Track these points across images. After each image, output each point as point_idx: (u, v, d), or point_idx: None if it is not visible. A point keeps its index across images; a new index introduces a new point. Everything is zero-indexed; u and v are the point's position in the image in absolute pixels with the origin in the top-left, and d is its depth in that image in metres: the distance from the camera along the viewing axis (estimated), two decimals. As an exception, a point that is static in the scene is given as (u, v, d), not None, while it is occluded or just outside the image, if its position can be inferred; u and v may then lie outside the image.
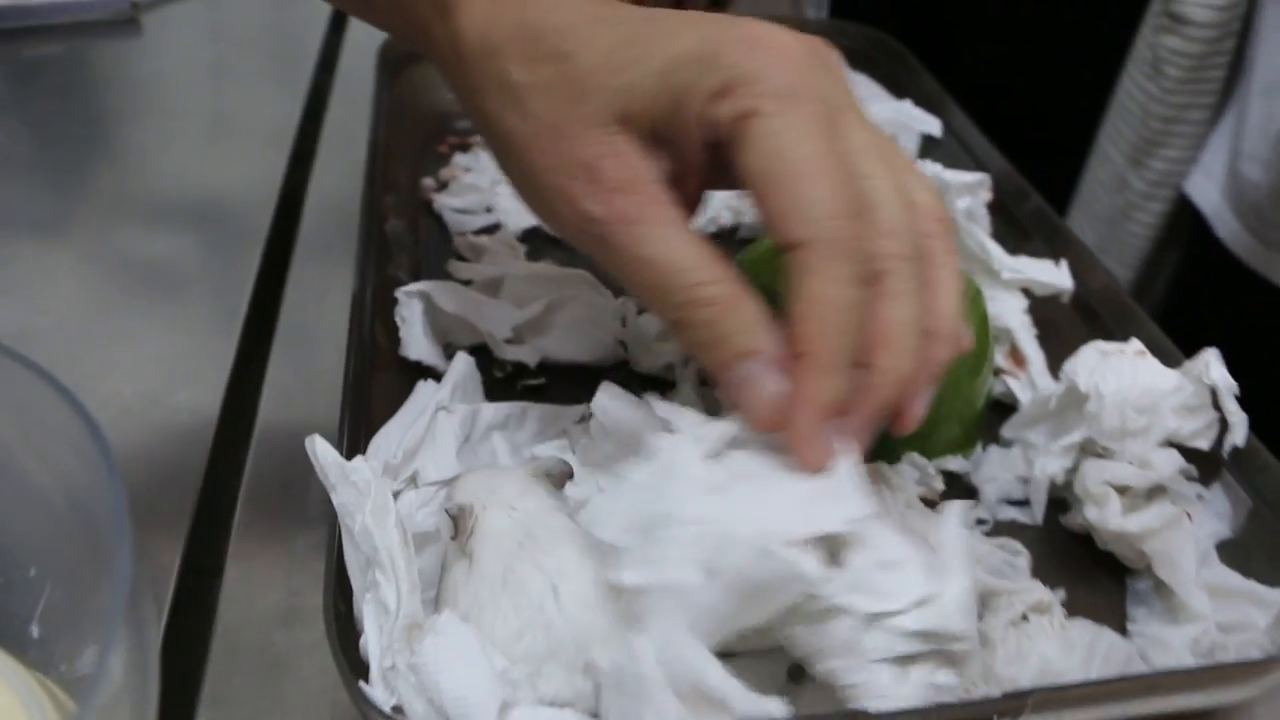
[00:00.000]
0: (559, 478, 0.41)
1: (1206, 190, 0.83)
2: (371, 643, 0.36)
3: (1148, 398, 0.47)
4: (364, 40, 0.86)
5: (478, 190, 0.68)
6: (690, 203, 0.41)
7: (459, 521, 0.38)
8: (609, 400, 0.43)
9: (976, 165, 0.69)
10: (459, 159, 0.72)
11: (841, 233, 0.34)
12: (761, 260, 0.55)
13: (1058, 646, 0.41)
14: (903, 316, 0.36)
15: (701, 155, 0.37)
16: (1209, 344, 0.48)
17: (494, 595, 0.37)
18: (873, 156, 0.37)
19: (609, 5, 0.38)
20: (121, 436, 0.53)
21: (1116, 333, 0.56)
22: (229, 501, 0.49)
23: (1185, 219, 0.87)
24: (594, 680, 0.36)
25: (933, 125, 0.74)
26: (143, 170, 0.77)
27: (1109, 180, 0.89)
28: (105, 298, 0.63)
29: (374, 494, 0.37)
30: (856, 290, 0.35)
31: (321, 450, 0.39)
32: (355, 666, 0.35)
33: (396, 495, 0.44)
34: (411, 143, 0.73)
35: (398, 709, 0.35)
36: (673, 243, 0.36)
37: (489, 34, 0.38)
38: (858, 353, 0.35)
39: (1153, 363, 0.48)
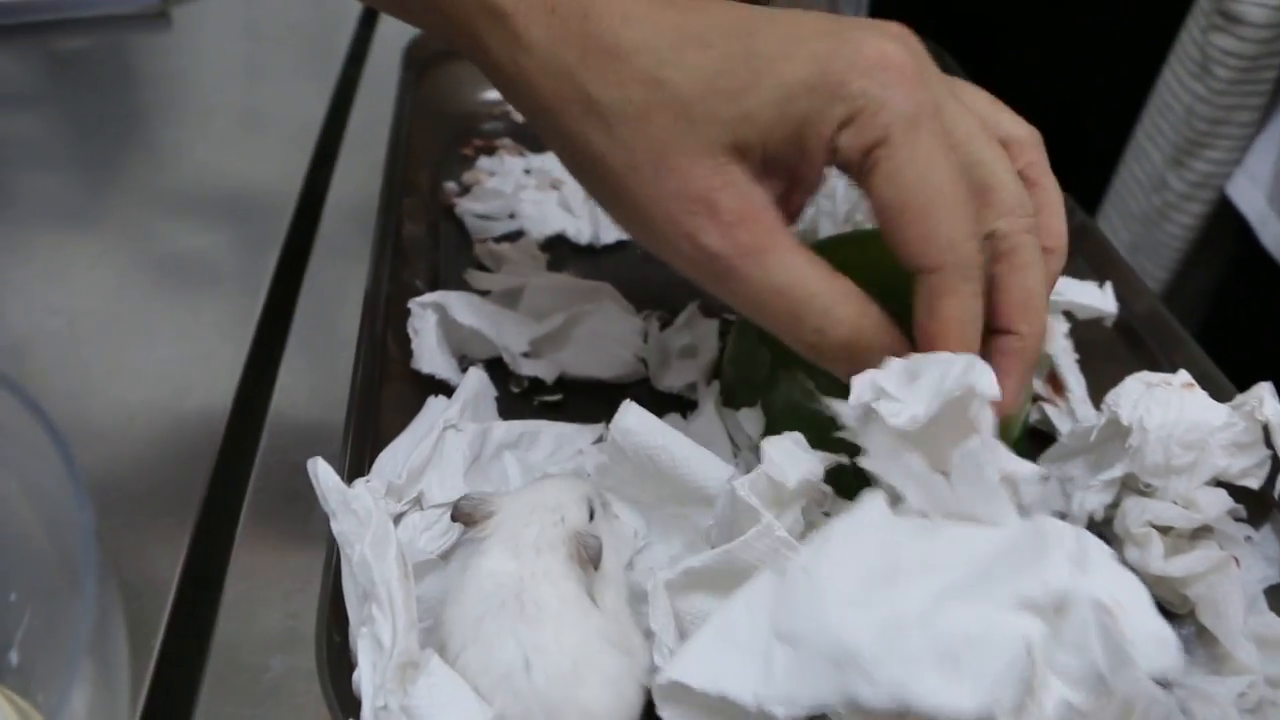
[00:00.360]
0: (587, 555, 0.38)
1: (1251, 195, 0.80)
2: (365, 680, 0.34)
3: (1195, 433, 0.44)
4: (395, 37, 0.84)
5: (501, 195, 0.66)
6: (794, 217, 0.43)
7: (472, 512, 0.37)
8: (632, 422, 0.41)
9: (1019, 179, 0.67)
10: (483, 162, 0.71)
11: (972, 256, 0.36)
12: (827, 253, 0.52)
13: (1094, 699, 0.39)
14: (1035, 284, 0.39)
15: (818, 175, 0.39)
16: (1247, 353, 0.45)
17: (464, 640, 0.35)
18: (980, 140, 0.38)
19: (682, 11, 0.37)
20: (126, 443, 0.51)
21: (1162, 360, 0.54)
22: (232, 513, 0.48)
23: (1225, 222, 0.83)
24: None
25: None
26: (165, 167, 0.76)
27: (1146, 179, 0.86)
28: (118, 298, 0.61)
29: (375, 524, 0.35)
30: (980, 303, 0.37)
31: (324, 474, 0.37)
32: (346, 703, 0.34)
33: (400, 517, 0.42)
34: (435, 145, 0.71)
35: (389, 750, 0.33)
36: (799, 270, 0.37)
37: (557, 49, 0.37)
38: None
39: (1201, 396, 0.46)
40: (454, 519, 0.37)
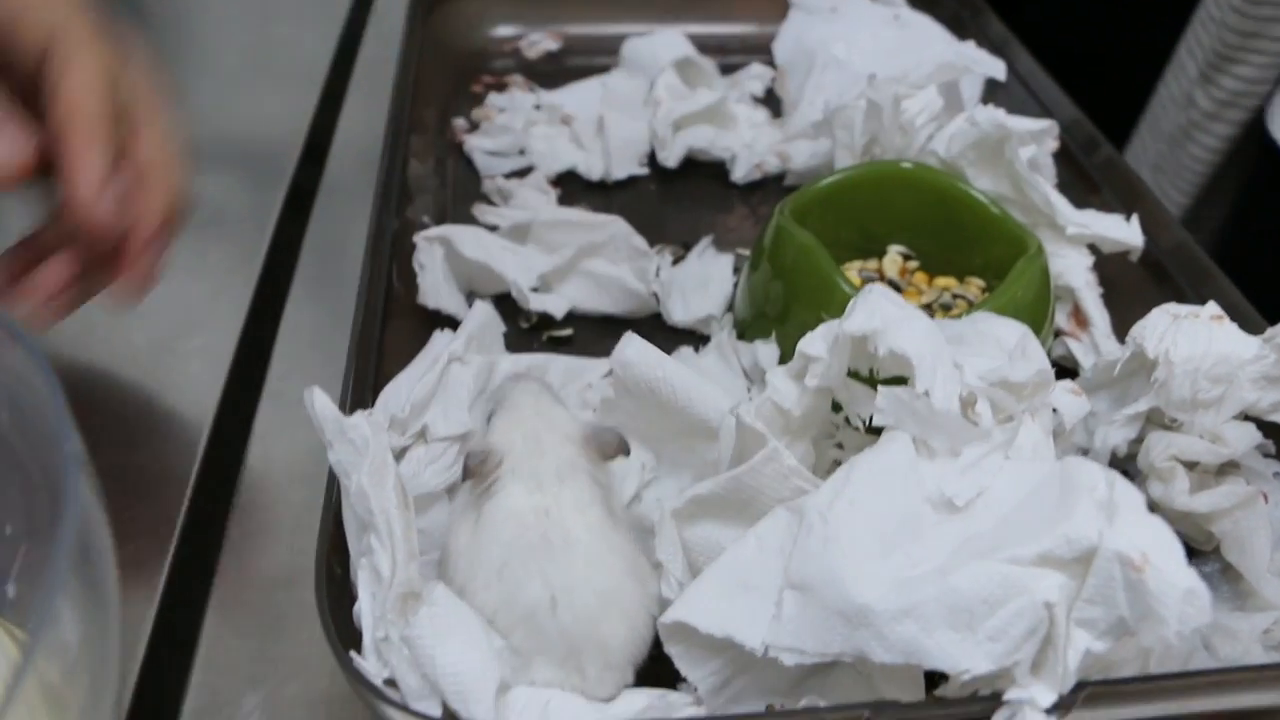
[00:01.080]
0: (609, 448, 0.38)
1: None
2: (365, 612, 0.33)
3: (1223, 366, 0.43)
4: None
5: (511, 131, 0.65)
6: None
7: (479, 468, 0.36)
8: (632, 354, 0.40)
9: (1043, 111, 0.65)
10: (493, 99, 0.69)
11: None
12: (810, 204, 0.51)
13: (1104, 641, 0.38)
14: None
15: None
16: (1266, 289, 0.44)
17: (488, 581, 0.34)
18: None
19: None
20: (131, 381, 0.51)
21: (1190, 294, 0.52)
22: (236, 450, 0.47)
23: (1249, 150, 0.81)
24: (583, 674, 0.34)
25: (997, 69, 0.70)
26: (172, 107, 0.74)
27: (1179, 95, 0.83)
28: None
29: (372, 453, 0.35)
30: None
31: (320, 404, 0.36)
32: (346, 636, 0.33)
33: (404, 451, 0.41)
34: (443, 82, 0.70)
35: (390, 682, 0.32)
36: None
37: None
38: None
39: (1230, 328, 0.44)
40: (466, 478, 0.36)
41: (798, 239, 0.48)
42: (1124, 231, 0.54)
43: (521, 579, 0.34)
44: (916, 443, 0.36)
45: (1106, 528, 0.32)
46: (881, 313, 0.37)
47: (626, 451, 0.38)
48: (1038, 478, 0.35)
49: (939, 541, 0.33)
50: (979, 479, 0.35)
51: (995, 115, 0.55)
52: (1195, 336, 0.44)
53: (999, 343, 0.40)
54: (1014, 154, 0.54)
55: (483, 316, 0.46)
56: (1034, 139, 0.58)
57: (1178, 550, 0.32)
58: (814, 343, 0.38)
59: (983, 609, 0.31)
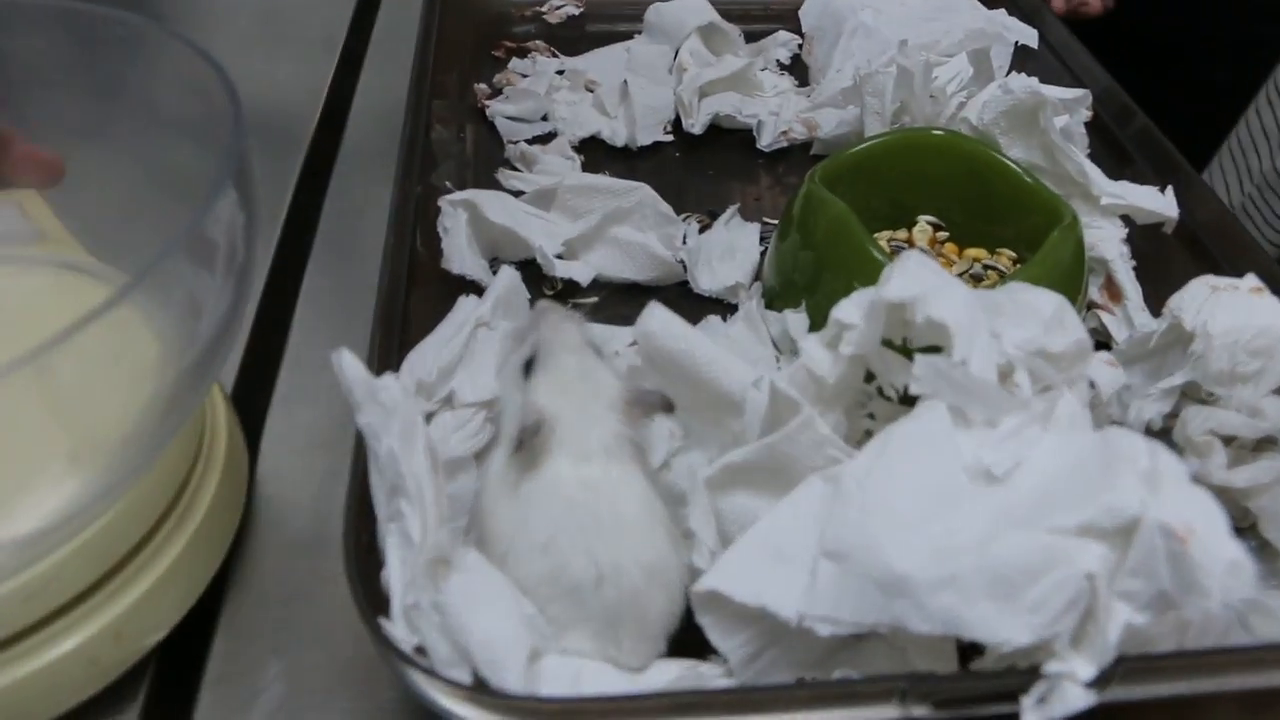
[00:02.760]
0: (652, 408, 0.37)
1: None
2: (394, 577, 0.32)
3: (1263, 339, 0.42)
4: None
5: (534, 96, 0.64)
6: None
7: (525, 437, 0.35)
8: (655, 325, 0.39)
9: (1074, 81, 0.64)
10: (516, 64, 0.68)
11: None
12: (841, 172, 0.51)
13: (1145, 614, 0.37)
14: None
15: None
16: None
17: (531, 555, 0.34)
18: None
19: None
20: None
21: (1226, 267, 0.51)
22: (258, 418, 0.46)
23: None
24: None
25: (1029, 35, 0.69)
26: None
27: (1274, 132, 0.80)
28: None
29: (402, 415, 0.34)
30: None
31: (349, 365, 0.35)
32: (375, 602, 0.32)
33: (430, 417, 0.41)
34: (464, 46, 0.69)
35: (420, 650, 0.32)
36: None
37: None
38: None
39: (1271, 301, 0.43)
40: (519, 451, 0.35)
41: (830, 207, 0.47)
42: (1159, 202, 0.53)
43: (568, 555, 0.34)
44: (953, 412, 0.35)
45: (1150, 499, 0.31)
46: (920, 280, 0.36)
47: (670, 409, 0.37)
48: (1077, 448, 0.34)
49: (978, 511, 0.32)
50: (1018, 449, 0.34)
51: (1029, 83, 0.54)
52: (1235, 308, 0.43)
53: (1035, 313, 0.39)
54: (1048, 122, 0.53)
55: (508, 282, 0.45)
56: (1067, 108, 0.56)
57: (1222, 521, 0.31)
58: (848, 310, 0.37)
59: (1023, 579, 0.31)
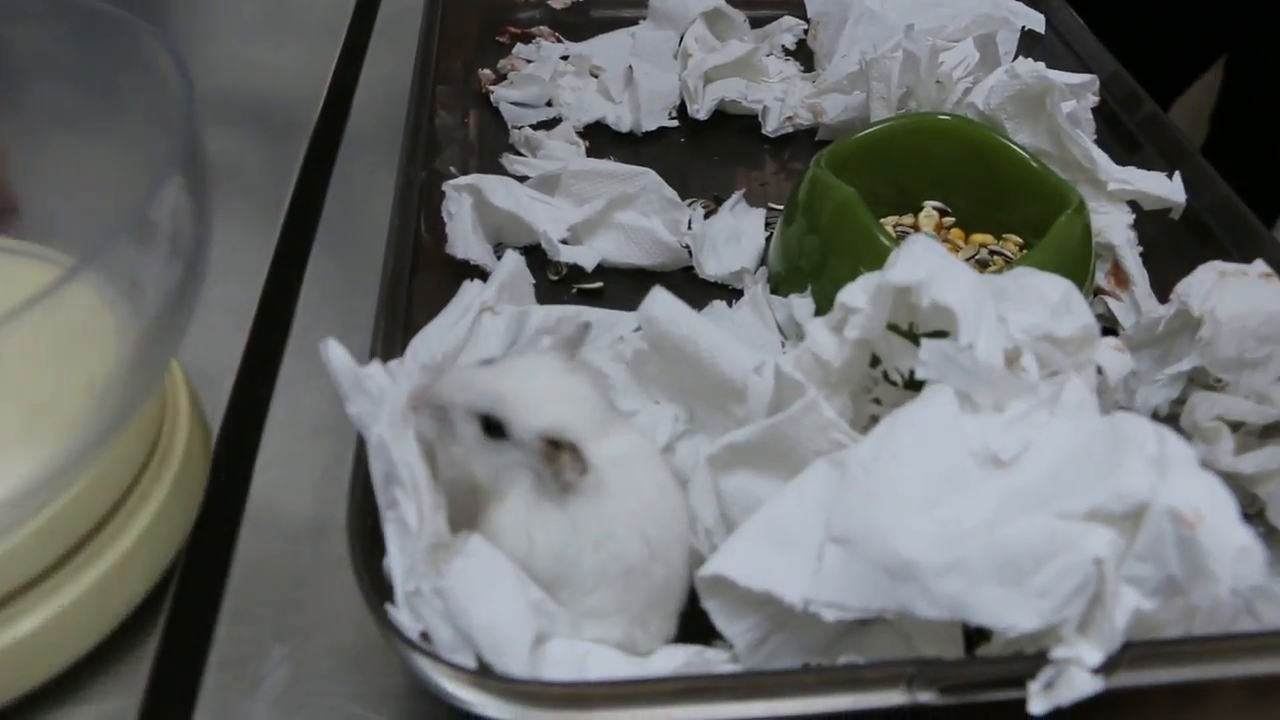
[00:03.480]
0: (576, 342, 0.36)
1: None
2: (394, 564, 0.32)
3: (1271, 325, 0.42)
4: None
5: (538, 82, 0.63)
6: None
7: (555, 459, 0.33)
8: (658, 310, 0.39)
9: (1081, 67, 0.63)
10: (520, 49, 0.68)
11: None
12: (846, 157, 0.50)
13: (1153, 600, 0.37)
14: None
15: None
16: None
17: (582, 552, 0.33)
18: None
19: None
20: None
21: (1234, 253, 0.51)
22: (260, 405, 0.46)
23: None
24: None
25: (1035, 20, 0.68)
26: (189, 57, 0.73)
27: None
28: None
29: (390, 403, 0.33)
30: None
31: (335, 356, 0.35)
32: (380, 588, 0.32)
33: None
34: (468, 32, 0.68)
35: (424, 636, 0.32)
36: None
37: None
38: None
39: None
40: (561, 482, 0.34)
41: (836, 192, 0.47)
42: (1166, 188, 0.53)
43: (625, 542, 0.34)
44: (960, 397, 0.35)
45: (1159, 483, 0.31)
46: (926, 264, 0.36)
47: (586, 331, 0.36)
48: (1085, 433, 0.34)
49: (985, 496, 0.32)
50: (1024, 434, 0.34)
51: (1036, 68, 0.54)
52: (1243, 294, 0.43)
53: (1042, 298, 0.39)
54: (1055, 107, 0.53)
55: (513, 266, 0.45)
56: (1074, 93, 0.56)
57: (1231, 507, 0.31)
58: (854, 294, 0.37)
59: (1031, 564, 0.31)
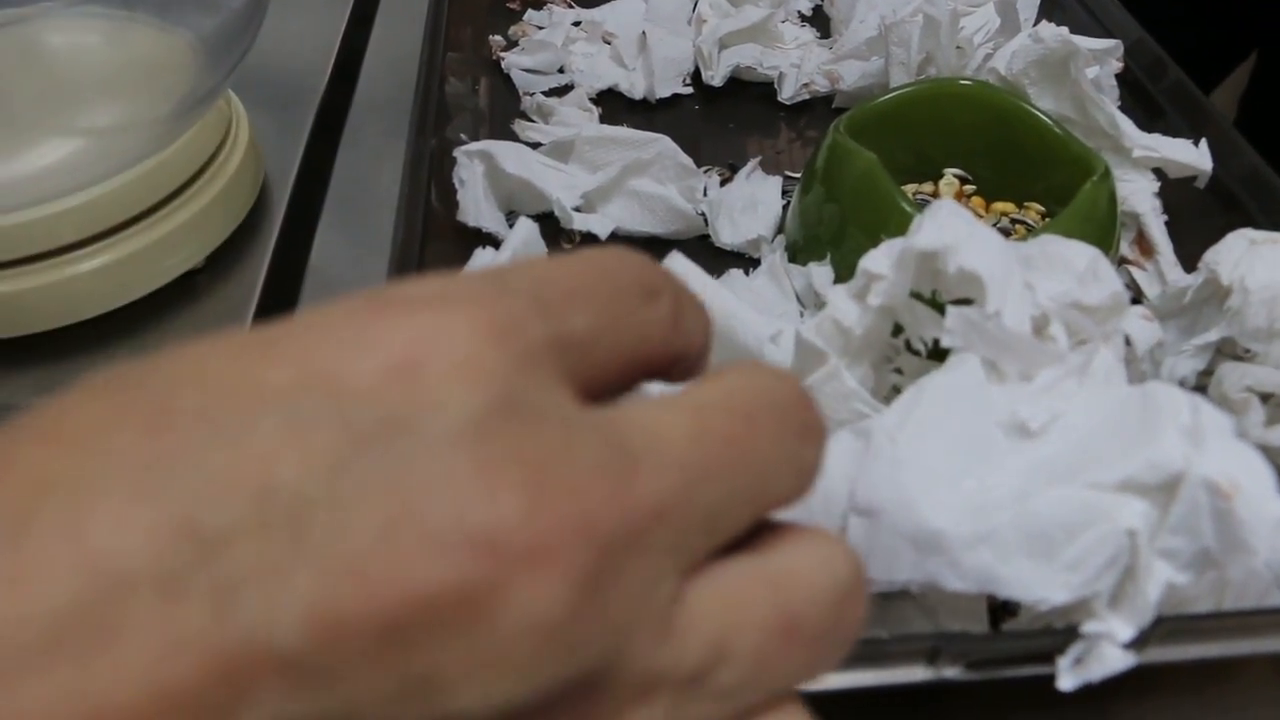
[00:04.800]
0: None
1: None
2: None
3: (1303, 294, 0.41)
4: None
5: (550, 48, 0.62)
6: None
7: None
8: (677, 272, 0.38)
9: (1104, 32, 0.62)
10: (531, 15, 0.67)
11: None
12: (865, 124, 0.49)
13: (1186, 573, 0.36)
14: None
15: None
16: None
17: None
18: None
19: None
20: (160, 308, 0.49)
21: (1262, 221, 0.50)
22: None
23: None
24: None
25: (1056, -14, 0.67)
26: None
27: None
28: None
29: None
30: None
31: None
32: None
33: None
34: (479, -3, 0.67)
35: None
36: None
37: None
38: None
39: (1312, 254, 0.42)
40: None
41: (856, 159, 0.46)
42: (1192, 155, 0.52)
43: None
44: (986, 366, 0.34)
45: (1193, 453, 0.30)
46: (953, 229, 0.35)
47: None
48: (1116, 402, 0.33)
49: (1014, 466, 0.31)
50: (1053, 403, 0.33)
51: (1060, 32, 0.52)
52: (1274, 263, 0.42)
53: (1069, 266, 0.38)
54: (1079, 73, 0.52)
55: (526, 234, 0.44)
56: (1097, 59, 0.55)
57: (1269, 478, 0.30)
58: (877, 260, 0.36)
59: (1061, 536, 0.30)
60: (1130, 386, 0.33)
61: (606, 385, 0.19)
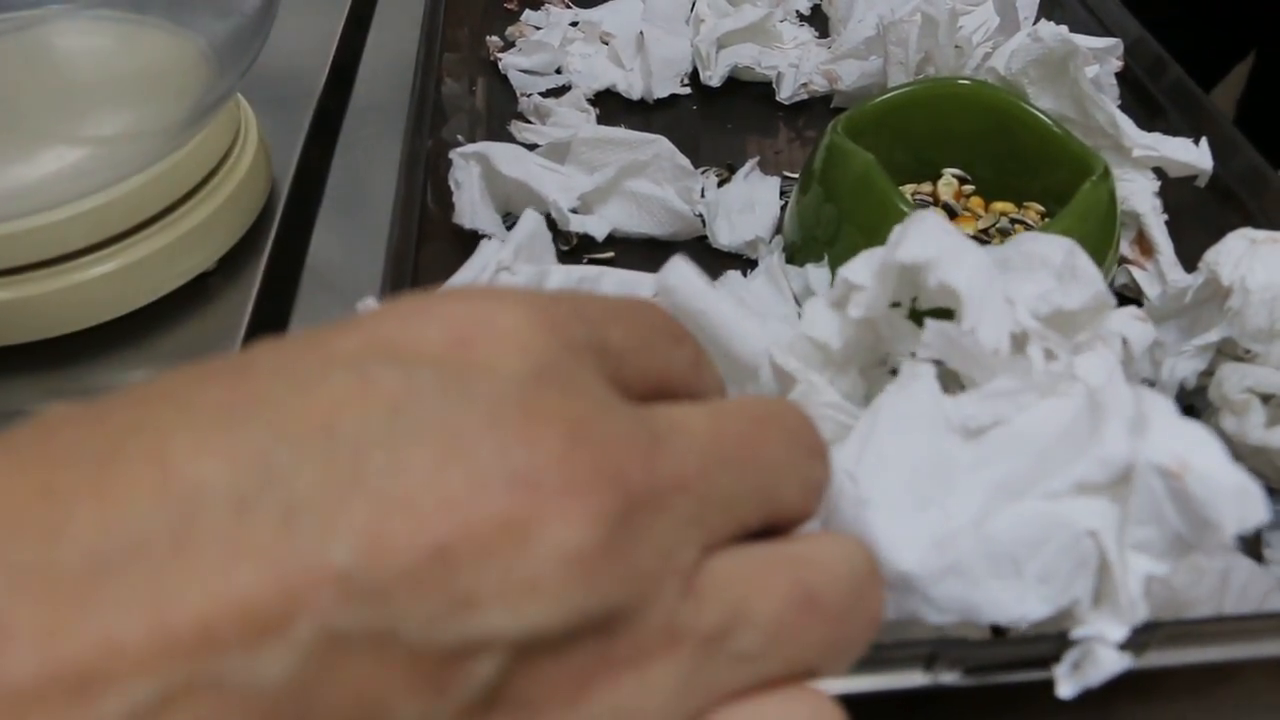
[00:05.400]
0: None
1: None
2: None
3: (1304, 294, 0.41)
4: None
5: (547, 49, 0.62)
6: None
7: None
8: (674, 280, 0.37)
9: (1104, 32, 0.62)
10: (529, 16, 0.67)
11: None
12: (864, 124, 0.49)
13: (1185, 575, 0.36)
14: None
15: None
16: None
17: None
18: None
19: None
20: (173, 312, 0.49)
21: (1263, 221, 0.50)
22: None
23: None
24: None
25: (1055, -15, 0.67)
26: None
27: None
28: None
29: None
30: None
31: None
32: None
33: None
34: (476, -2, 0.67)
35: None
36: None
37: None
38: None
39: (1313, 254, 0.42)
40: None
41: (854, 159, 0.45)
42: (1193, 154, 0.51)
43: None
44: (964, 379, 0.34)
45: (1139, 442, 0.30)
46: (936, 242, 0.35)
47: None
48: (1068, 411, 0.32)
49: (973, 488, 0.31)
50: (997, 406, 0.33)
51: (1059, 31, 0.52)
52: (1274, 263, 0.41)
53: (1045, 262, 0.38)
54: (1078, 72, 0.51)
55: (532, 226, 0.43)
56: (1097, 58, 0.55)
57: (1217, 449, 0.29)
58: (857, 270, 0.35)
59: (1025, 552, 0.29)
60: (1080, 396, 0.33)
61: (634, 401, 0.20)
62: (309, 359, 0.17)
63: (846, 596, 0.20)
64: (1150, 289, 0.49)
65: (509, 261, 0.42)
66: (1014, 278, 0.36)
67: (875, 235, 0.42)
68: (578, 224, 0.48)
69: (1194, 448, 0.29)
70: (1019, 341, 0.34)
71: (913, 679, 0.31)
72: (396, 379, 0.16)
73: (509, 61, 0.62)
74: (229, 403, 0.16)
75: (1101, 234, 0.46)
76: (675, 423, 0.19)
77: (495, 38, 0.64)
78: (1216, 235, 0.44)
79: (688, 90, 0.61)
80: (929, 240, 0.35)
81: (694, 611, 0.17)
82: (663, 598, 0.17)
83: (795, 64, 0.62)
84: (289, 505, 0.15)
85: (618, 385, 0.19)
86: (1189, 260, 0.48)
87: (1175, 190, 0.52)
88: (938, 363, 0.33)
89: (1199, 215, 0.52)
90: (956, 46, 0.56)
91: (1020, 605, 0.29)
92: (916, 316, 0.36)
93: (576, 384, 0.17)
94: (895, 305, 0.36)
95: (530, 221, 0.43)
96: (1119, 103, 0.56)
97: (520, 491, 0.15)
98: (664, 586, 0.17)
